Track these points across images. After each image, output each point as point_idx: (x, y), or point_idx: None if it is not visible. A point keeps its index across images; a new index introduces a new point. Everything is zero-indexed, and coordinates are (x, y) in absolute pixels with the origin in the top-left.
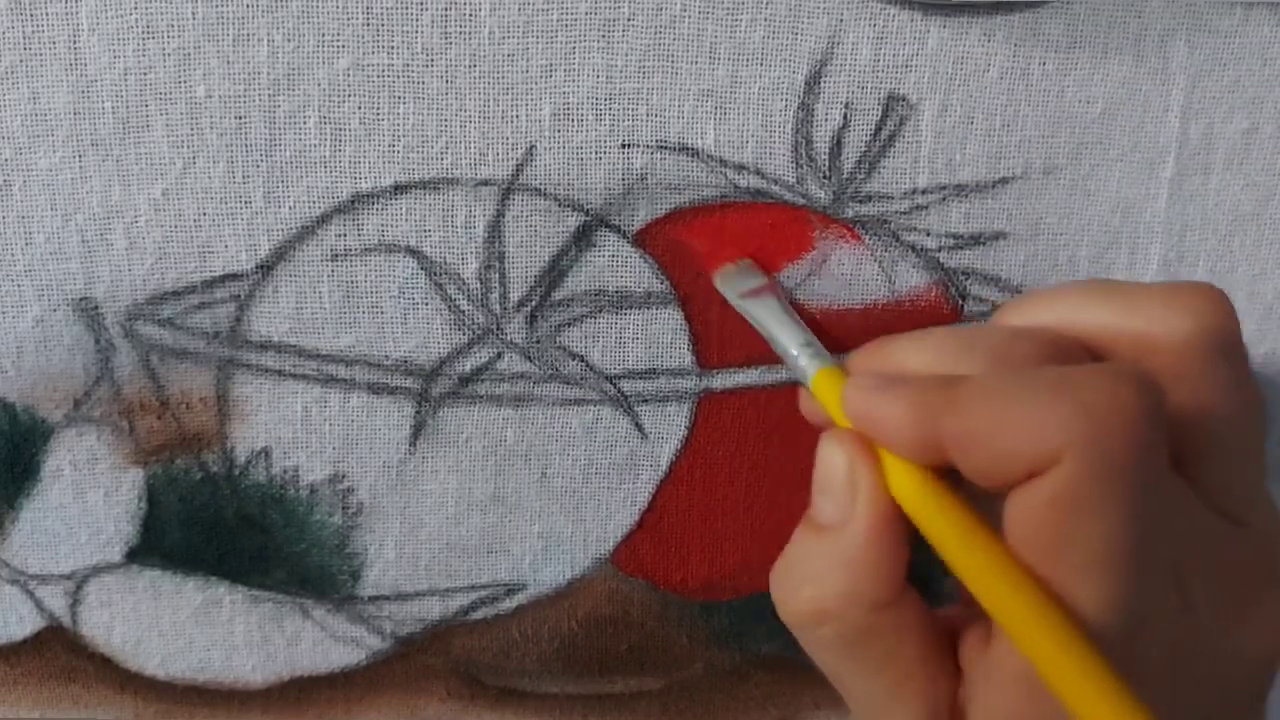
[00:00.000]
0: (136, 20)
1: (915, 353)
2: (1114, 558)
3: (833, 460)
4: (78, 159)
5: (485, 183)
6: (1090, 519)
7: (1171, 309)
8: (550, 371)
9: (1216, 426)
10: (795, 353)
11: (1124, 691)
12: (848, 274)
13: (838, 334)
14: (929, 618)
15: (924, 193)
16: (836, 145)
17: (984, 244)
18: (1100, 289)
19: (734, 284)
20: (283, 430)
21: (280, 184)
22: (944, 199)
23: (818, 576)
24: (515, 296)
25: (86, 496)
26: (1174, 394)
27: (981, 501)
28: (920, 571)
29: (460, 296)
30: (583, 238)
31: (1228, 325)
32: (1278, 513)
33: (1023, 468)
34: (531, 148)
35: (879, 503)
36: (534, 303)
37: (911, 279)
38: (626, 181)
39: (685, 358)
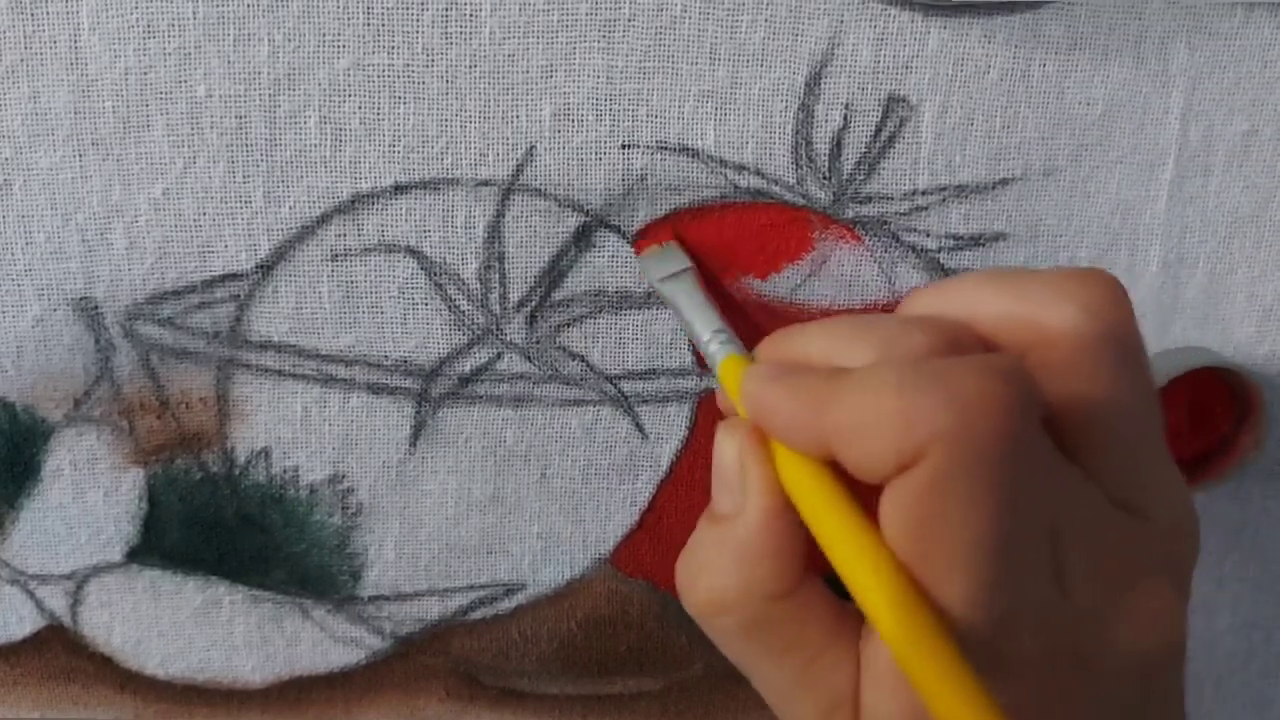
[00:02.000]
0: (137, 20)
1: (813, 340)
2: (980, 550)
3: (725, 451)
4: (78, 158)
5: (485, 183)
6: (955, 511)
7: (1062, 297)
8: (550, 372)
9: (1108, 416)
10: (706, 338)
11: (977, 686)
12: (848, 274)
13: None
14: (834, 606)
15: (924, 194)
16: (837, 146)
17: (984, 245)
18: (995, 277)
19: (655, 266)
20: (283, 430)
21: (280, 184)
22: (944, 200)
23: (714, 567)
24: (515, 297)
25: (86, 496)
26: (1063, 383)
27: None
28: None
29: (460, 297)
30: (583, 238)
31: (1119, 313)
32: (1181, 501)
33: (893, 461)
34: (532, 148)
35: (769, 494)
36: (534, 303)
37: (911, 280)
38: (627, 182)
39: (685, 358)
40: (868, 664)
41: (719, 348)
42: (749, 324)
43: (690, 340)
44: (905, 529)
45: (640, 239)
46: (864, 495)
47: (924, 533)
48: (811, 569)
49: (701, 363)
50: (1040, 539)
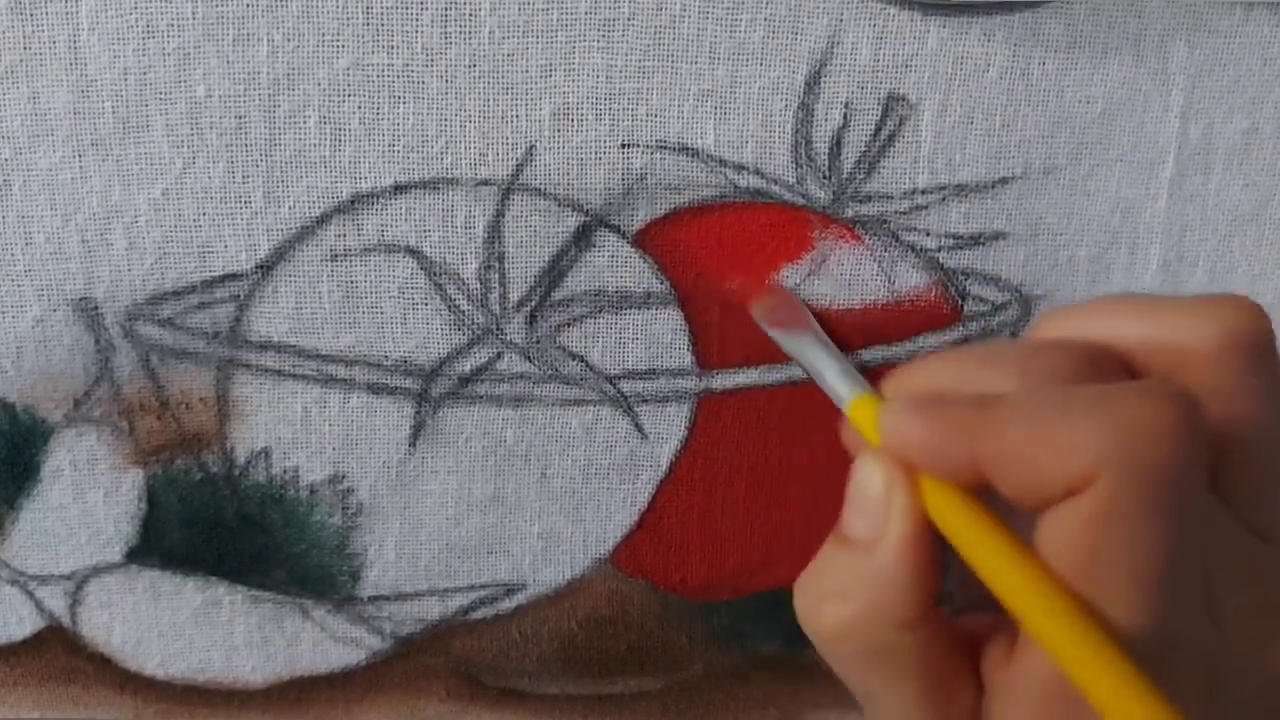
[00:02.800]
0: (136, 20)
1: (945, 371)
2: (1149, 576)
3: (870, 476)
4: (77, 159)
5: (485, 183)
6: (1126, 537)
7: (1204, 320)
8: (550, 372)
9: (1251, 440)
10: (831, 380)
11: (1161, 700)
12: (847, 274)
13: (838, 334)
14: (949, 629)
15: (924, 193)
16: (836, 145)
17: (984, 244)
18: (1131, 302)
19: (769, 312)
20: (282, 430)
21: (280, 184)
22: (944, 199)
23: (845, 592)
24: (515, 296)
25: (86, 497)
26: (1207, 407)
27: (1014, 520)
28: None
29: (460, 296)
30: (582, 238)
31: (1262, 336)
32: None
33: (1060, 487)
34: (531, 148)
35: (914, 520)
36: (534, 303)
37: (911, 279)
38: (626, 181)
39: (685, 358)
40: (1010, 686)
41: (846, 389)
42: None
43: (817, 383)
44: (1072, 554)
45: (739, 289)
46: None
47: (1091, 558)
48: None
49: (701, 362)
50: (1196, 567)
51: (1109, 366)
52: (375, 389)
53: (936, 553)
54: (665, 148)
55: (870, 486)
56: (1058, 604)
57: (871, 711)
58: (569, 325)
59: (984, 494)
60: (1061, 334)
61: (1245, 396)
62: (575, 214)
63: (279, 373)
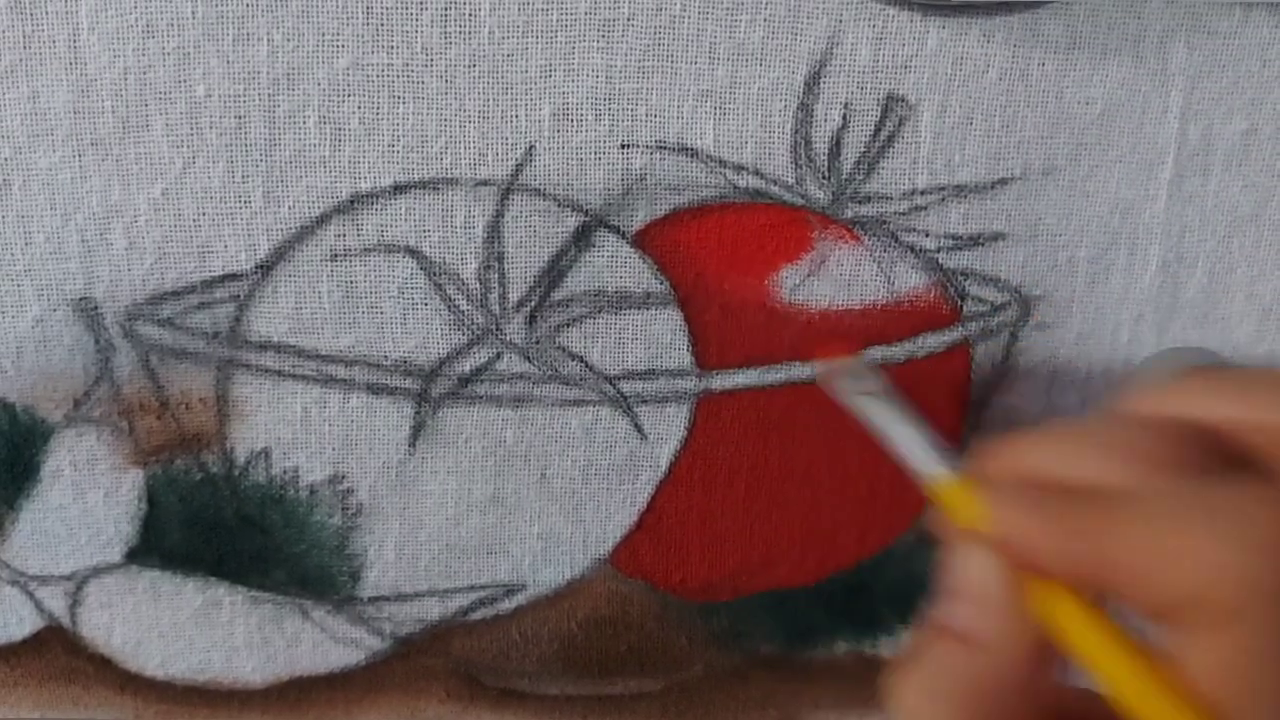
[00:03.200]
0: (136, 19)
1: (1050, 455)
2: None
3: (983, 572)
4: (77, 158)
5: (484, 183)
6: (1274, 668)
7: None
8: (549, 372)
9: None
10: (922, 459)
11: None
12: (846, 274)
13: (837, 335)
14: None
15: (923, 193)
16: (835, 146)
17: (983, 245)
18: (1231, 379)
19: (849, 382)
20: (282, 431)
21: (280, 184)
22: (943, 199)
23: (953, 694)
24: (514, 297)
25: (86, 497)
26: None
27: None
28: None
29: (459, 297)
30: (582, 238)
31: None
32: None
33: (1189, 600)
34: (531, 148)
35: (1033, 628)
36: (533, 303)
37: (910, 279)
38: (626, 182)
39: (684, 358)
40: None
41: (941, 471)
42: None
43: (903, 460)
44: (1225, 678)
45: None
46: None
47: (1245, 690)
48: None
49: (701, 362)
50: None
51: (1216, 450)
52: (375, 389)
53: (1052, 660)
54: (665, 148)
55: (985, 583)
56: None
57: None
58: (568, 325)
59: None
60: (1164, 412)
61: None
62: (575, 214)
63: (279, 373)
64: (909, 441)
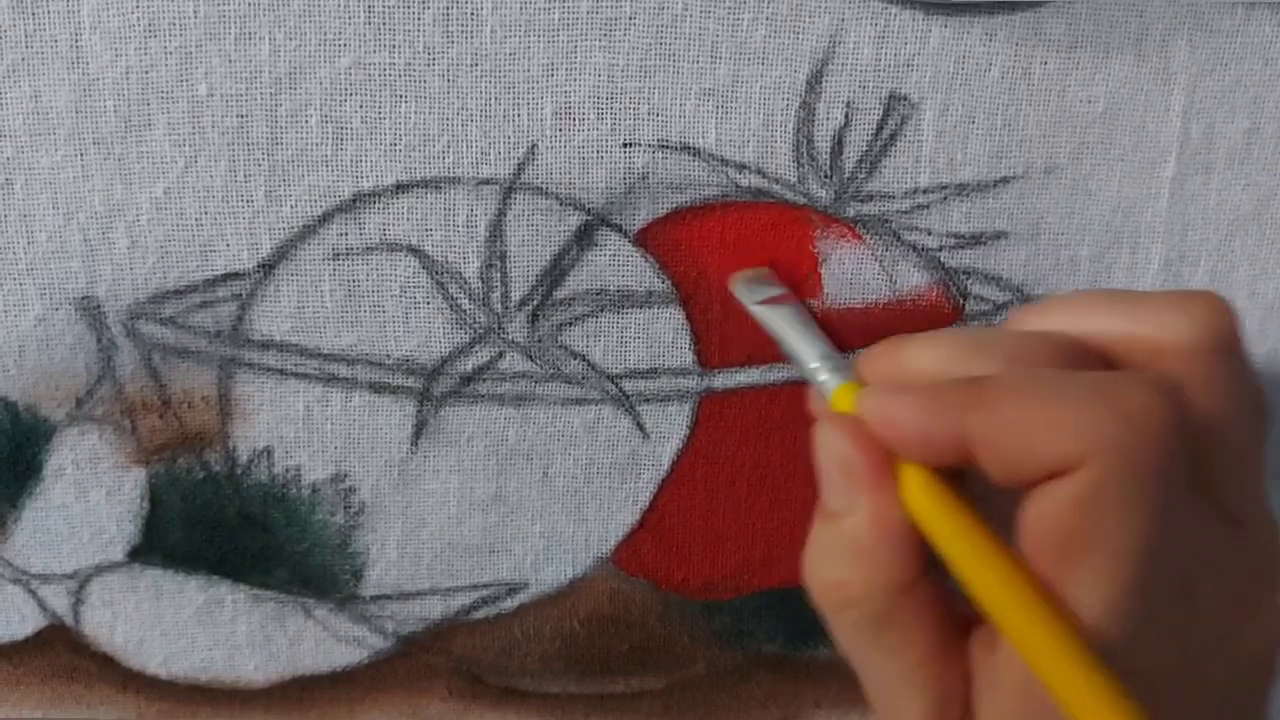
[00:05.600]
0: (138, 18)
1: (927, 354)
2: (1128, 563)
3: (826, 450)
4: (79, 157)
5: (487, 181)
6: (1110, 523)
7: (1177, 315)
8: (552, 371)
9: (1222, 431)
10: (814, 366)
11: (1124, 696)
12: (849, 273)
13: (839, 333)
14: (948, 609)
15: (925, 192)
16: (838, 144)
17: (985, 243)
18: (1107, 297)
19: (750, 289)
20: (285, 429)
21: (282, 183)
22: (945, 198)
23: (835, 563)
24: (517, 295)
25: (89, 496)
26: (1185, 401)
27: (990, 502)
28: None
29: (462, 295)
30: (584, 237)
31: (1231, 330)
32: (1273, 513)
33: (1047, 468)
34: (533, 146)
35: (878, 490)
36: (535, 302)
37: (913, 278)
38: (628, 181)
39: (687, 357)
40: (987, 673)
41: (830, 375)
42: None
43: (797, 367)
44: (1053, 535)
45: (725, 265)
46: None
47: (1072, 541)
48: (930, 568)
49: (703, 361)
50: (1174, 553)
51: (1086, 358)
52: (377, 388)
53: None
54: (667, 147)
55: (828, 459)
56: (1024, 598)
57: (869, 687)
58: (571, 324)
59: (954, 477)
60: (1038, 326)
61: (1218, 390)
62: (577, 213)
63: (281, 372)
64: (801, 347)
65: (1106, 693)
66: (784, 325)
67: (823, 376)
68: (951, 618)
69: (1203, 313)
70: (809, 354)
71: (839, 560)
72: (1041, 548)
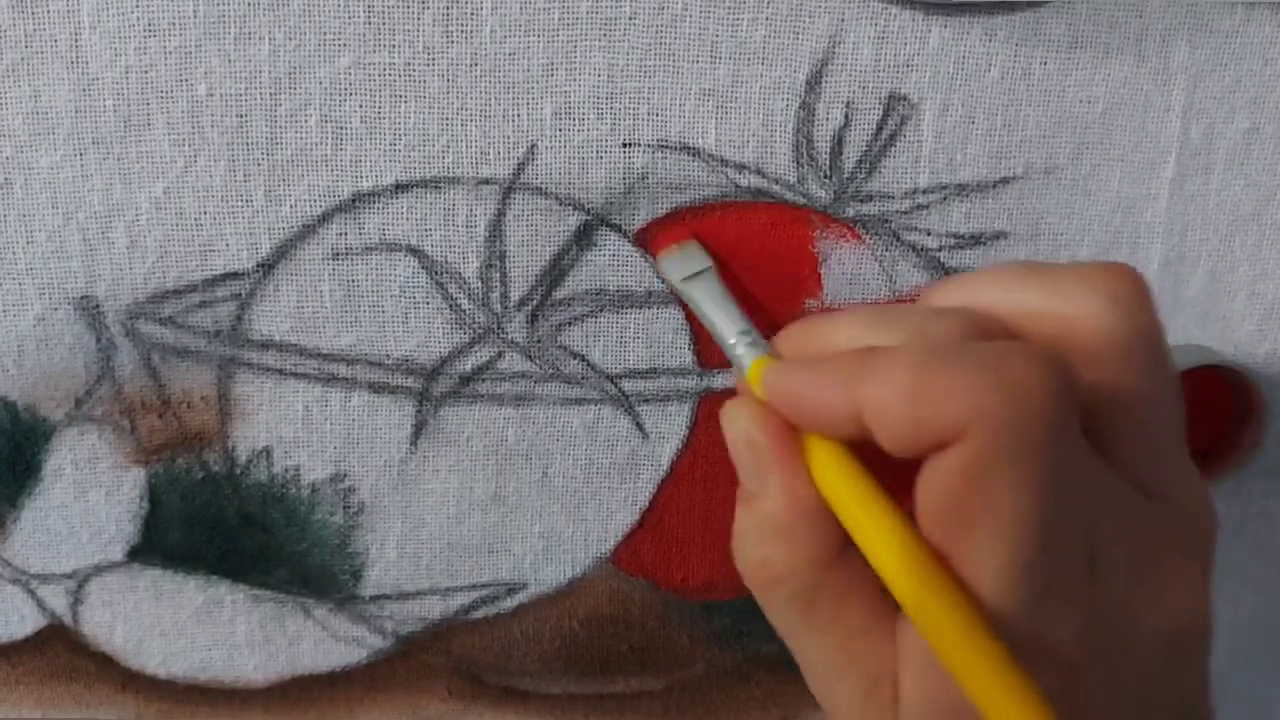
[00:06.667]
0: (138, 18)
1: (838, 329)
2: (1017, 530)
3: (732, 432)
4: (79, 157)
5: (486, 181)
6: (994, 491)
7: (1088, 291)
8: (551, 371)
9: (1132, 404)
10: (731, 340)
11: (1015, 668)
12: (848, 273)
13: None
14: (877, 586)
15: (925, 192)
16: (837, 145)
17: (985, 243)
18: (1020, 271)
19: (675, 266)
20: (284, 429)
21: (281, 182)
22: (945, 198)
23: (757, 542)
24: (516, 295)
25: (88, 495)
26: (1090, 373)
27: (902, 477)
28: None
29: (461, 295)
30: (584, 237)
31: (1143, 305)
32: (1199, 486)
33: (934, 438)
34: (533, 147)
35: (787, 468)
36: (535, 302)
37: (912, 278)
38: (628, 181)
39: (686, 357)
40: (903, 646)
41: (746, 350)
42: (767, 321)
43: (717, 342)
44: (942, 506)
45: (652, 239)
46: (888, 472)
47: (962, 511)
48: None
49: (702, 361)
50: (1074, 524)
51: (994, 332)
52: (377, 388)
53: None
54: (666, 147)
55: (734, 441)
56: (919, 571)
57: (803, 666)
58: (570, 324)
59: (865, 450)
60: (950, 301)
61: (1127, 363)
62: (577, 213)
63: (280, 371)
64: (720, 321)
65: (999, 664)
66: (704, 300)
67: (739, 350)
68: (882, 596)
69: (1112, 288)
70: (727, 328)
71: (759, 540)
72: (934, 519)
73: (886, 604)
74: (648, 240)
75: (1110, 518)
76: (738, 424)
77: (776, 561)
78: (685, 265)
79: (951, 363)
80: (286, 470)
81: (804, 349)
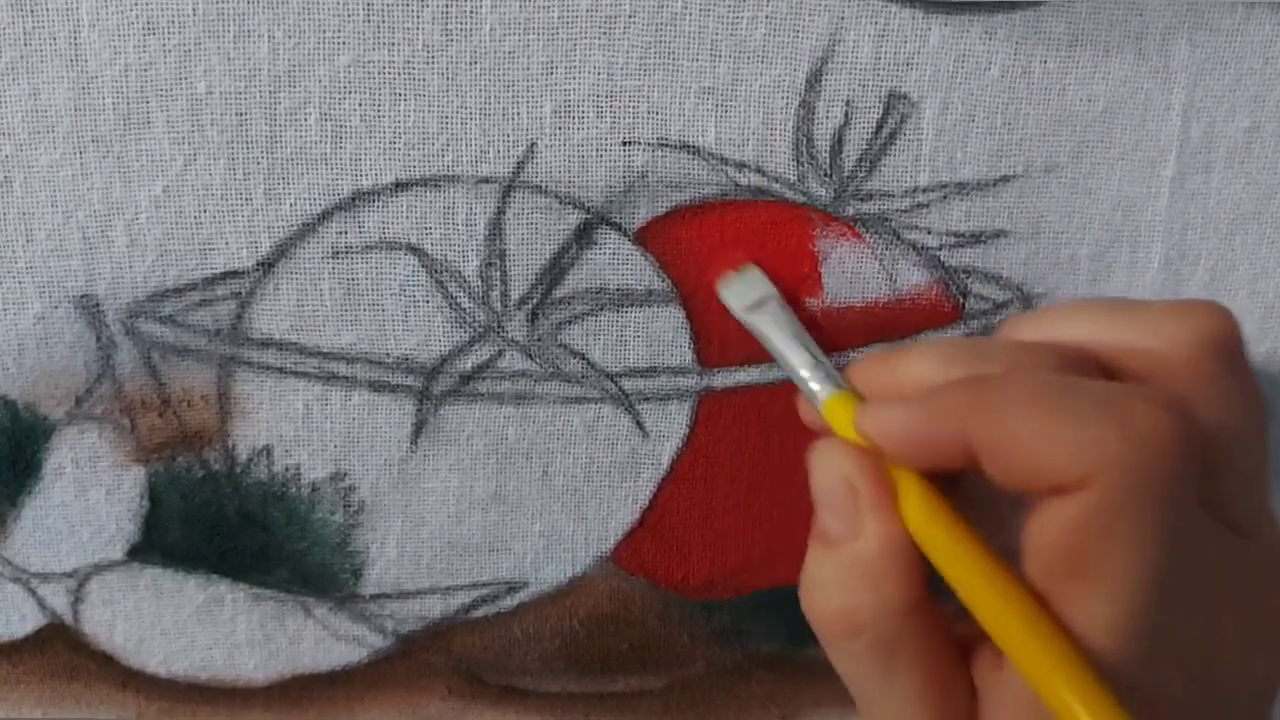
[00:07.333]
0: (137, 16)
1: (921, 364)
2: (1134, 585)
3: (829, 473)
4: (78, 155)
5: (486, 180)
6: (1116, 545)
7: (1178, 325)
8: (551, 369)
9: (1228, 442)
10: (805, 374)
11: (1119, 713)
12: (848, 272)
13: (839, 332)
14: (947, 630)
15: (925, 191)
16: (837, 143)
17: (985, 242)
18: (1107, 306)
19: (738, 294)
20: (284, 428)
21: (281, 181)
22: (945, 197)
23: (841, 589)
24: (516, 294)
25: (88, 494)
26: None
27: (988, 502)
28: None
29: (461, 294)
30: (584, 235)
31: (1232, 339)
32: (1276, 519)
33: (1053, 482)
34: (532, 145)
35: (887, 512)
36: (535, 300)
37: (912, 277)
38: (627, 179)
39: (686, 356)
40: (1000, 696)
41: (821, 385)
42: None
43: (787, 372)
44: (1057, 553)
45: (708, 266)
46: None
47: (1077, 560)
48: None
49: (703, 360)
50: (1192, 580)
51: (1091, 370)
52: (377, 387)
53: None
54: (666, 145)
55: (831, 482)
56: (1026, 616)
57: (871, 713)
58: (570, 323)
59: (951, 482)
60: (1036, 335)
61: (1218, 400)
62: (576, 211)
63: (280, 370)
64: (793, 357)
65: (1105, 708)
66: (774, 332)
67: (814, 386)
68: (952, 641)
69: (1203, 323)
70: (800, 361)
71: (844, 587)
72: (1046, 566)
73: (959, 645)
74: (668, 234)
75: (1213, 563)
76: (835, 466)
77: (862, 609)
78: (747, 293)
79: (1072, 405)
80: (287, 469)
81: (882, 384)
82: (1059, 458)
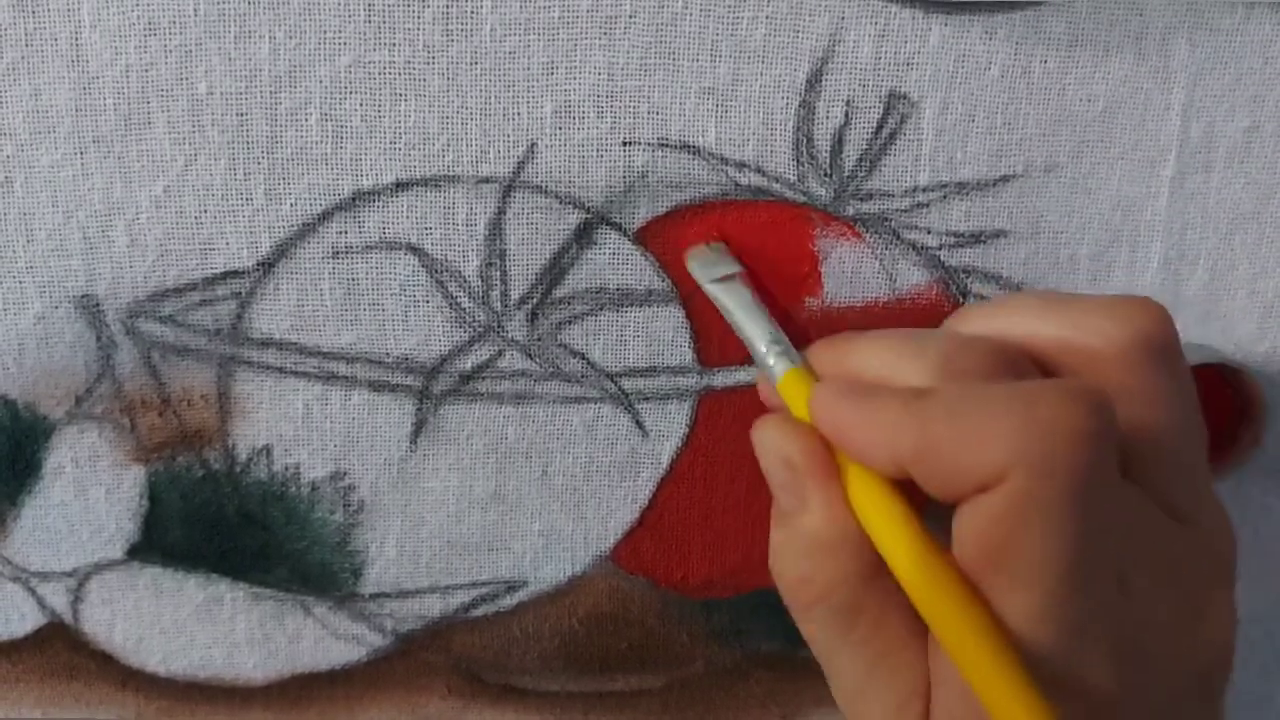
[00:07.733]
0: (138, 17)
1: (870, 354)
2: (1052, 569)
3: (769, 452)
4: (79, 156)
5: (486, 180)
6: (1032, 535)
7: (1112, 321)
8: (551, 369)
9: (1160, 433)
10: (763, 349)
11: (1038, 698)
12: (848, 272)
13: (839, 332)
14: (911, 608)
15: (925, 190)
16: (838, 143)
17: (985, 242)
18: (1043, 301)
19: (705, 267)
20: (284, 427)
21: (281, 181)
22: (945, 197)
23: (797, 558)
24: (516, 294)
25: (88, 494)
26: (1118, 404)
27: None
28: None
29: (461, 294)
30: (584, 235)
31: (1165, 335)
32: (1223, 511)
33: (974, 482)
34: (533, 145)
35: (827, 487)
36: (535, 300)
37: (912, 277)
38: (628, 179)
39: (686, 355)
40: (936, 666)
41: (777, 360)
42: (793, 327)
43: (746, 347)
44: (978, 549)
45: (680, 235)
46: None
47: (998, 553)
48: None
49: (702, 359)
50: (1107, 560)
51: (1020, 363)
52: (376, 386)
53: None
54: (667, 145)
55: (772, 460)
56: (954, 605)
57: (834, 680)
58: (570, 323)
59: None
60: (978, 330)
61: (1150, 393)
62: (577, 211)
63: (280, 370)
64: (752, 330)
65: (1019, 687)
66: (735, 305)
67: (771, 360)
68: (911, 618)
69: (1135, 318)
70: (759, 336)
71: (800, 556)
72: (972, 558)
73: (920, 623)
74: (668, 234)
75: (1144, 546)
76: (773, 443)
77: (817, 577)
78: (714, 267)
79: (990, 406)
80: (286, 468)
81: (838, 368)
82: (974, 457)
